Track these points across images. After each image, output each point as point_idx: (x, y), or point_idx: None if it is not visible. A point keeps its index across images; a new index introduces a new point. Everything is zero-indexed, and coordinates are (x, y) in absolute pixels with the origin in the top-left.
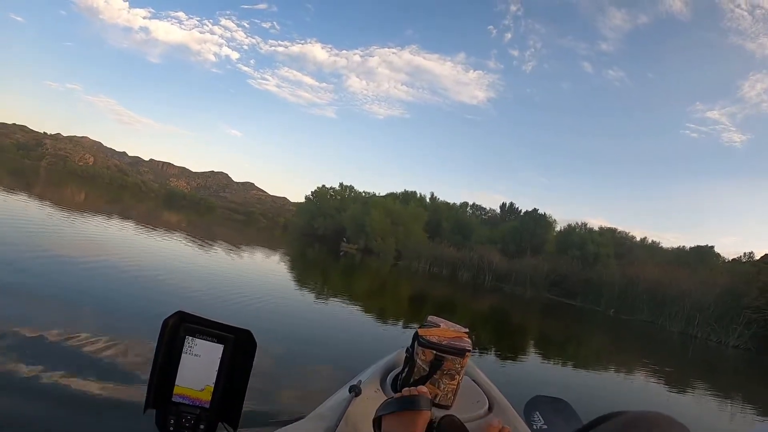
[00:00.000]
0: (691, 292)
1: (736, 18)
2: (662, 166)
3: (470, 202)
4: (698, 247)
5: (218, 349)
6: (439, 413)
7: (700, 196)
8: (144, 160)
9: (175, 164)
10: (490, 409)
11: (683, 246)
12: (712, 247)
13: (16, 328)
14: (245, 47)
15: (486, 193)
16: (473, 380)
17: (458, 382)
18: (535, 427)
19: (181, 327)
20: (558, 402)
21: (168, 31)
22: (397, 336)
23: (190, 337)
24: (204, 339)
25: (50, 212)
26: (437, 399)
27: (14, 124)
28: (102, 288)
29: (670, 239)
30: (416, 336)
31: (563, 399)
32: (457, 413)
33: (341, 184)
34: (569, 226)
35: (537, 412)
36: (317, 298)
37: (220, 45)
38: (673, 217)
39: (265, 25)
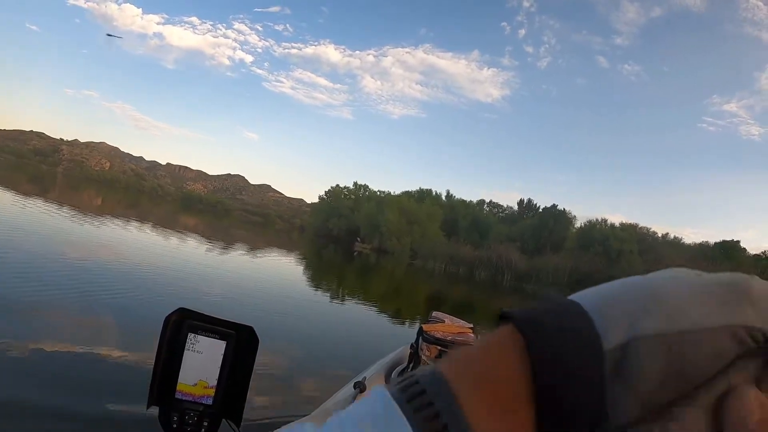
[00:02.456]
0: None
1: (751, 8)
2: (678, 161)
3: (487, 200)
4: (723, 242)
5: (221, 345)
6: None
7: (717, 191)
8: (161, 164)
9: (192, 168)
10: None
11: (706, 241)
12: (738, 242)
13: (17, 321)
14: (259, 50)
15: (502, 191)
16: None
17: None
18: None
19: (183, 324)
20: None
21: (182, 36)
22: (403, 332)
23: (193, 334)
24: (206, 336)
25: (65, 216)
26: None
27: (32, 131)
28: (104, 285)
29: (688, 234)
30: (421, 332)
31: None
32: None
33: (355, 183)
34: (590, 221)
35: None
36: (324, 298)
37: (234, 49)
38: (689, 212)
39: (278, 28)
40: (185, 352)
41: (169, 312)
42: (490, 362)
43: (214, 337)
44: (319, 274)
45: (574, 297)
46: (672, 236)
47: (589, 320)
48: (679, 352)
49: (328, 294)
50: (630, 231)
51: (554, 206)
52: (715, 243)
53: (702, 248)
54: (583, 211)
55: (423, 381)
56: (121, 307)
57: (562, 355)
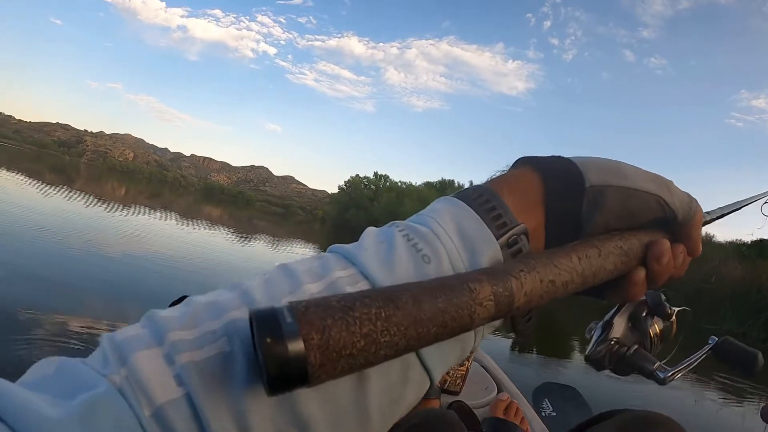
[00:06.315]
0: None
1: None
2: (706, 156)
3: None
4: (760, 240)
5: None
6: (447, 399)
7: (746, 187)
8: (186, 156)
9: (216, 159)
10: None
11: (739, 239)
12: None
13: (17, 313)
14: (282, 42)
15: None
16: (482, 366)
17: (467, 368)
18: (543, 413)
19: None
20: (567, 389)
21: (205, 29)
22: None
23: None
24: None
25: (88, 205)
26: (446, 385)
27: (57, 122)
28: (109, 273)
29: (718, 232)
30: None
31: (573, 386)
32: (466, 399)
33: (376, 173)
34: None
35: (546, 399)
36: None
37: (258, 41)
38: (715, 208)
39: (301, 20)
40: None
41: (173, 300)
42: (519, 181)
43: None
44: None
45: (569, 158)
46: (703, 234)
47: (577, 168)
48: (629, 198)
49: None
50: None
51: None
52: (752, 241)
53: (736, 246)
54: None
55: (478, 190)
56: (125, 294)
57: (561, 181)
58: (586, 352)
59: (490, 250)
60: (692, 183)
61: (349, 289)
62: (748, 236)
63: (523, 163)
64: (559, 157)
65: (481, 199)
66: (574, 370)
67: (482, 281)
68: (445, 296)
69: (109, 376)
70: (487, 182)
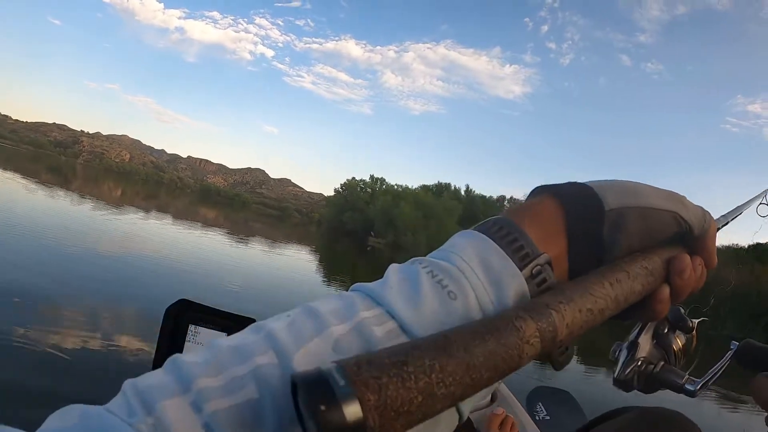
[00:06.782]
0: None
1: None
2: (701, 161)
3: (507, 196)
4: (757, 244)
5: (221, 337)
6: None
7: (742, 192)
8: (182, 158)
9: (212, 161)
10: (492, 399)
11: (737, 243)
12: None
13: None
14: (280, 45)
15: (523, 187)
16: None
17: None
18: (537, 417)
19: (184, 315)
20: (560, 393)
21: (203, 30)
22: None
23: (194, 326)
24: (208, 327)
25: (81, 207)
26: None
27: (54, 123)
28: (107, 275)
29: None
30: None
31: (566, 390)
32: None
33: (372, 176)
34: None
35: (539, 403)
36: (328, 289)
37: (255, 43)
38: (713, 214)
39: (299, 23)
40: (186, 344)
41: (170, 304)
42: (538, 210)
43: (216, 330)
44: (325, 268)
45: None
46: None
47: (595, 192)
48: (648, 217)
49: (337, 285)
50: None
51: None
52: (749, 246)
53: (735, 251)
54: None
55: (498, 222)
56: (123, 298)
57: (580, 206)
58: (615, 375)
59: (515, 283)
60: (688, 188)
61: (377, 330)
62: (745, 241)
63: (540, 191)
64: (575, 183)
65: (502, 231)
66: (567, 374)
67: (526, 318)
68: (494, 338)
69: (135, 425)
70: (506, 212)
